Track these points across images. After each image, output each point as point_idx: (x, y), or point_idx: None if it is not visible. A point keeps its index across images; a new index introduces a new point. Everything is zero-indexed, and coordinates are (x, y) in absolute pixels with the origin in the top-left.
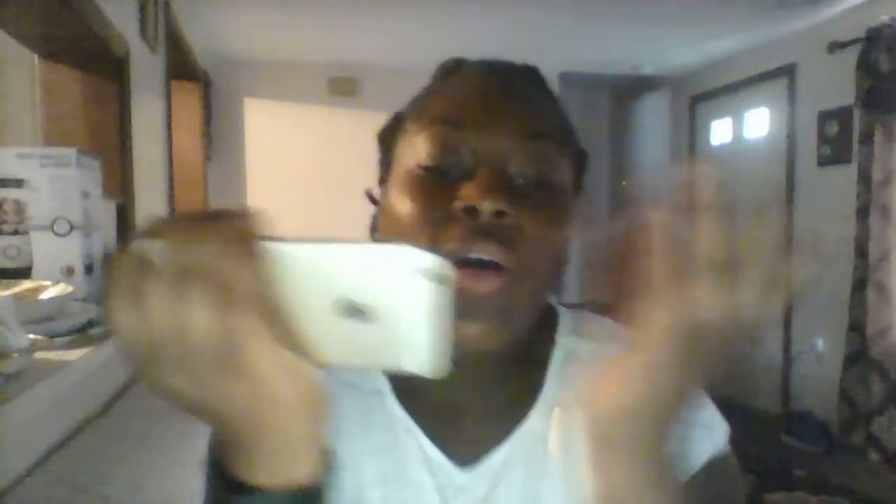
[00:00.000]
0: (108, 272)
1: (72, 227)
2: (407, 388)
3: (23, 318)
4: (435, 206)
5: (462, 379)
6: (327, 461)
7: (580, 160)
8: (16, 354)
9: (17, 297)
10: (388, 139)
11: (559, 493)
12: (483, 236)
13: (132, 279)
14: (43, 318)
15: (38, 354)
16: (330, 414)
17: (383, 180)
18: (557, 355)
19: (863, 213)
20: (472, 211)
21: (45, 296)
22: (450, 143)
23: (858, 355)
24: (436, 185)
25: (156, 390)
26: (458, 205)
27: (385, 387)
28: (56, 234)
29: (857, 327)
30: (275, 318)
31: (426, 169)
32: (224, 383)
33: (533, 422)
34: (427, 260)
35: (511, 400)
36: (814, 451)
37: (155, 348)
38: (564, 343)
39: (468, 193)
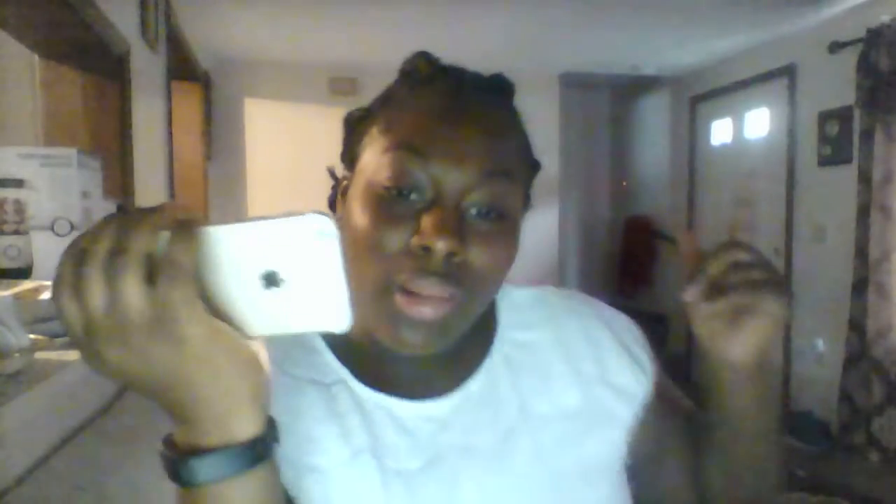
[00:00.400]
0: (57, 265)
1: (72, 227)
2: (367, 372)
3: (23, 318)
4: (392, 235)
5: (413, 356)
6: (270, 427)
7: (532, 172)
8: (16, 354)
9: (18, 297)
10: (354, 130)
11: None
12: (433, 275)
13: (72, 266)
14: (43, 318)
15: (39, 354)
16: (267, 380)
17: (345, 162)
18: (503, 320)
19: (863, 212)
20: (426, 249)
21: (45, 296)
22: (412, 170)
23: (859, 355)
24: (395, 210)
25: (97, 367)
26: (415, 241)
27: (346, 374)
28: (56, 234)
29: (857, 327)
30: (203, 292)
31: (388, 189)
32: (158, 351)
33: (495, 357)
34: (316, 222)
35: (462, 356)
36: (814, 451)
37: (92, 324)
38: (503, 295)
39: (425, 231)
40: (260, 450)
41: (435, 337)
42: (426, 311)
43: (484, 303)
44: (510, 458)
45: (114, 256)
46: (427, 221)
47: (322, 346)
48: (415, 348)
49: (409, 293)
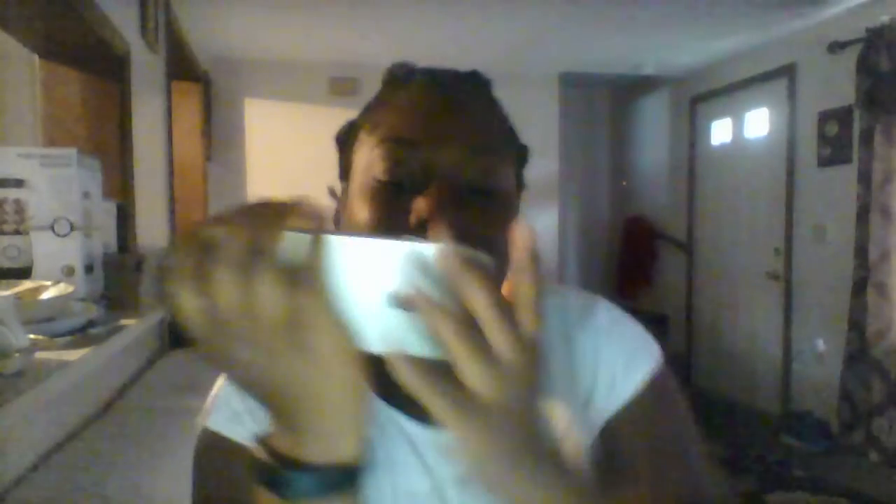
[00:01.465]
0: (171, 253)
1: (72, 228)
2: (380, 382)
3: (23, 319)
4: (391, 218)
5: None
6: (366, 448)
7: (522, 157)
8: (16, 354)
9: (18, 298)
10: (344, 144)
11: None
12: None
13: (198, 260)
14: (43, 319)
15: (39, 354)
16: (368, 402)
17: (343, 178)
18: None
19: (863, 213)
20: (423, 224)
21: (45, 296)
22: (403, 159)
23: (858, 355)
24: (391, 197)
25: (216, 362)
26: (412, 218)
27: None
28: (56, 234)
29: (857, 327)
30: (333, 302)
31: (382, 183)
32: (287, 358)
33: None
34: (459, 253)
35: None
36: (814, 451)
37: (222, 324)
38: None
39: (420, 207)
40: (356, 473)
41: None
42: None
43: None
44: None
45: (251, 254)
46: (421, 200)
47: None
48: None
49: None
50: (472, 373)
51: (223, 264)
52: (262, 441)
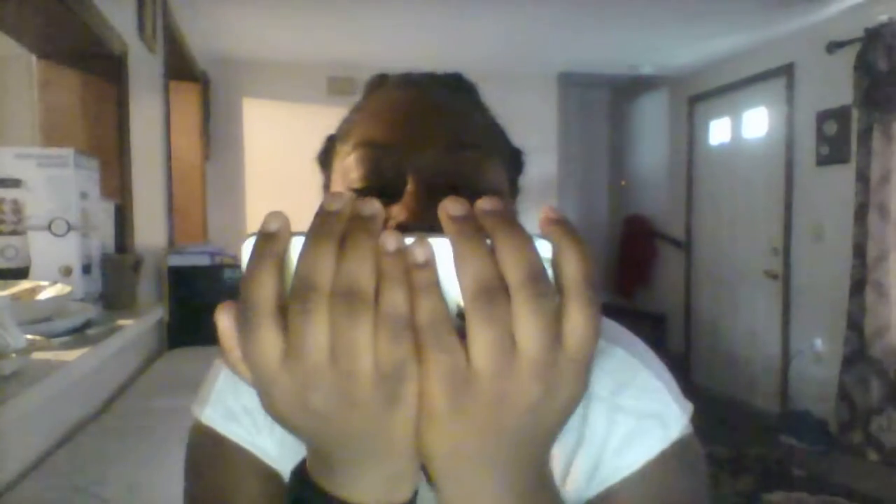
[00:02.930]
0: (251, 281)
1: (69, 228)
2: None
3: (20, 319)
4: None
5: None
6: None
7: (515, 162)
8: (14, 355)
9: (15, 298)
10: (324, 162)
11: None
12: None
13: (273, 289)
14: (41, 319)
15: (36, 355)
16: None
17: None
18: None
19: (861, 212)
20: (403, 228)
21: (42, 296)
22: (376, 164)
23: (857, 355)
24: None
25: (281, 414)
26: (390, 225)
27: None
28: (54, 234)
29: (855, 327)
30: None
31: (358, 191)
32: (373, 406)
33: None
34: None
35: None
36: (813, 450)
37: (304, 369)
38: None
39: (395, 214)
40: None
41: None
42: None
43: None
44: None
45: (347, 297)
46: (397, 206)
47: None
48: None
49: None
50: (480, 345)
51: (310, 302)
52: (303, 474)
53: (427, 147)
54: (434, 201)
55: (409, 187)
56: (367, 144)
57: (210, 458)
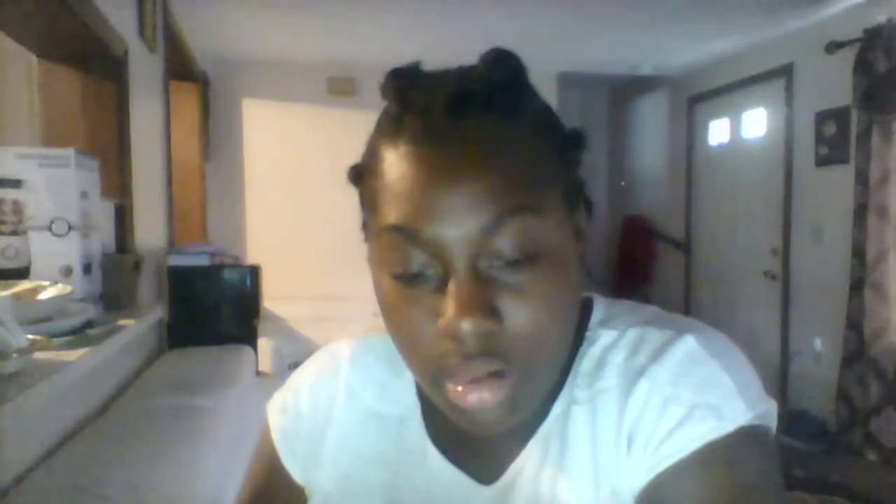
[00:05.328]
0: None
1: (70, 228)
2: (434, 412)
3: (21, 319)
4: (418, 327)
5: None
6: None
7: (572, 186)
8: (15, 355)
9: (16, 298)
10: (357, 183)
11: (574, 490)
12: (474, 357)
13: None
14: (41, 319)
15: (37, 354)
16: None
17: (363, 209)
18: (583, 355)
19: (860, 212)
20: (454, 334)
21: (43, 296)
22: (410, 251)
23: (856, 355)
24: (413, 297)
25: None
26: (441, 327)
27: (414, 413)
28: (54, 234)
29: (854, 327)
30: None
31: (398, 276)
32: None
33: (548, 425)
34: None
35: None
36: (812, 450)
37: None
38: (591, 338)
39: (446, 314)
40: None
41: (504, 417)
42: (485, 397)
43: (551, 359)
44: None
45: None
46: (445, 302)
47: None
48: (487, 432)
49: (458, 382)
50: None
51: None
52: None
53: (463, 225)
54: (478, 297)
55: (452, 284)
56: (395, 231)
57: (266, 477)
